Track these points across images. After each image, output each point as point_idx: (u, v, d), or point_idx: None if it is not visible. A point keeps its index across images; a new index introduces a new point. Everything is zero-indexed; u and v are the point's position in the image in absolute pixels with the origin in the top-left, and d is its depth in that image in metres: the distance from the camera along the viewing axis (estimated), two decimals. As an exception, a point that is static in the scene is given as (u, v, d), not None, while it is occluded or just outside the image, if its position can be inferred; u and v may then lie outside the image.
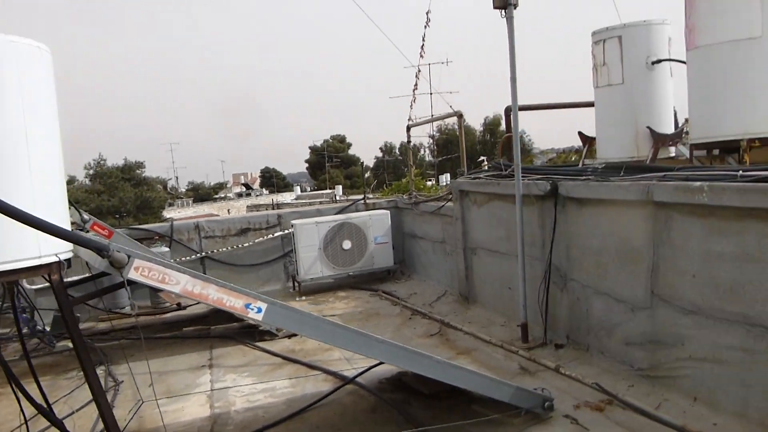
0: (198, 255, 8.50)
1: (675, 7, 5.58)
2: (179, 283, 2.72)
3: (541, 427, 3.70)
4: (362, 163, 31.49)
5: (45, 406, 3.68)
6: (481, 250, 6.56)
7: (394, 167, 68.48)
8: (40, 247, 2.75)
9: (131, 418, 4.35)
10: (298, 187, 58.20)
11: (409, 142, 9.23)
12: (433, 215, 7.98)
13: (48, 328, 7.17)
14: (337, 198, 36.56)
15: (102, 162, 46.08)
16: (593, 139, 6.93)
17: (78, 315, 6.79)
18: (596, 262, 4.64)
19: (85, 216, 7.17)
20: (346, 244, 8.34)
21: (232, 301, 2.82)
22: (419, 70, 8.53)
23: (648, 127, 6.09)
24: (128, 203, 42.51)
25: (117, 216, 41.11)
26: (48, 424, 4.27)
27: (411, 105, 8.59)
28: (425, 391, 4.35)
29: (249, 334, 6.47)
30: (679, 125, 6.60)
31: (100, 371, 5.71)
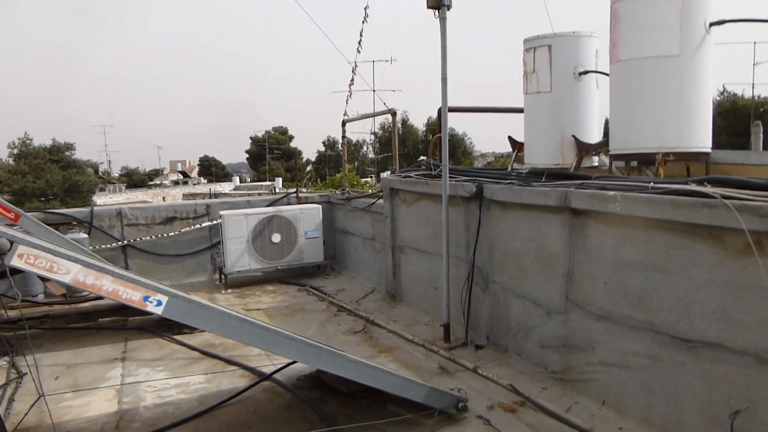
0: (119, 243, 8.17)
1: (605, 20, 5.75)
2: (69, 273, 2.57)
3: (453, 428, 3.73)
4: (299, 153, 31.16)
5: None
6: (409, 249, 6.58)
7: (336, 162, 68.28)
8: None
9: (27, 412, 4.11)
10: (238, 178, 57.11)
11: (343, 137, 9.17)
12: (365, 212, 7.96)
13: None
14: (277, 190, 36.14)
15: (28, 141, 43.75)
16: (522, 144, 7.06)
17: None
18: (517, 265, 4.72)
19: (-11, 196, 6.78)
20: (276, 238, 8.21)
21: (128, 293, 2.69)
22: (356, 65, 8.47)
23: (573, 136, 6.23)
24: (55, 186, 40.58)
25: (43, 199, 39.21)
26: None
27: (347, 100, 8.53)
28: (343, 390, 4.31)
29: (168, 326, 6.26)
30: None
31: (2, 362, 5.41)
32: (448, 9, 4.97)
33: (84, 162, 49.96)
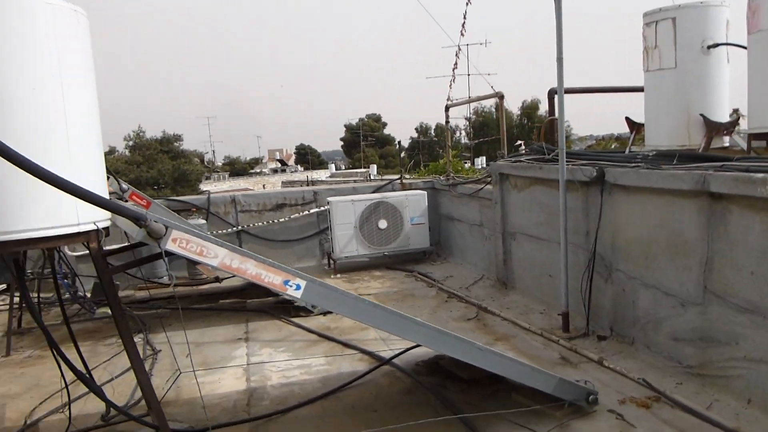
0: (234, 229, 8.55)
1: (736, -11, 5.32)
2: (217, 257, 2.69)
3: (584, 421, 3.60)
4: (399, 142, 31.24)
5: (84, 371, 3.71)
6: (521, 235, 6.43)
7: (429, 148, 68.13)
8: (78, 214, 2.74)
9: (169, 388, 4.39)
10: (333, 165, 58.31)
11: (447, 122, 9.08)
12: (471, 198, 7.86)
13: (89, 295, 7.32)
14: (372, 177, 36.53)
15: (141, 134, 46.79)
16: (641, 125, 6.69)
17: (117, 283, 6.90)
18: (645, 253, 4.48)
19: (124, 186, 7.25)
20: (382, 224, 8.28)
21: (270, 277, 2.78)
22: (459, 49, 8.34)
23: (701, 115, 5.83)
24: (166, 175, 43.16)
25: (155, 187, 41.83)
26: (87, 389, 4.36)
27: (450, 85, 8.43)
28: (463, 376, 4.28)
29: (284, 309, 6.49)
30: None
31: (138, 339, 5.80)
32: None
33: (191, 152, 52.81)
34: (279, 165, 74.09)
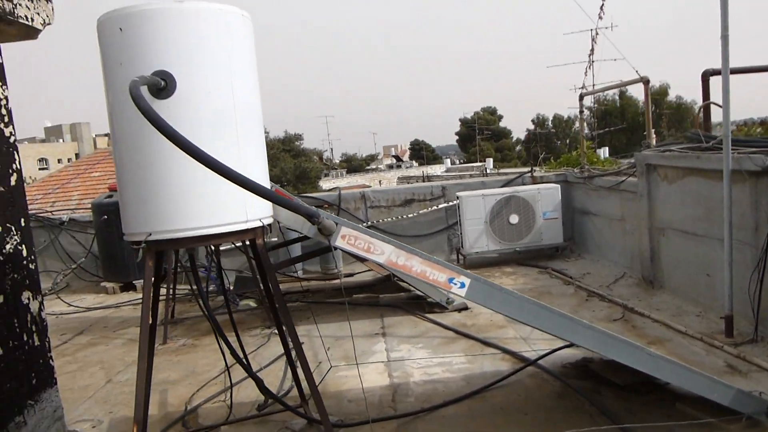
0: (364, 224, 8.66)
1: None
2: (384, 253, 2.66)
3: (765, 437, 3.24)
4: (509, 133, 30.46)
5: (243, 359, 3.85)
6: (671, 231, 5.95)
7: (546, 140, 65.96)
8: (247, 212, 2.81)
9: (321, 381, 4.45)
10: (449, 160, 58.03)
11: (581, 112, 8.64)
12: (610, 191, 7.41)
13: (231, 287, 7.72)
14: (488, 171, 35.86)
15: (266, 134, 49.00)
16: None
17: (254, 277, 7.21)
18: (832, 250, 3.97)
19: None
20: (513, 219, 8.03)
21: (435, 275, 2.71)
22: (596, 33, 7.90)
23: None
24: (288, 173, 45.05)
25: (279, 185, 43.71)
26: (242, 376, 4.56)
27: (586, 72, 8.11)
28: (618, 382, 4.02)
29: (417, 305, 6.47)
30: None
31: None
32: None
33: (311, 150, 54.77)
34: (394, 161, 74.94)
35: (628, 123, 49.89)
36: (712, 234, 5.17)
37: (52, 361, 3.97)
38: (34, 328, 3.71)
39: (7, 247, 3.43)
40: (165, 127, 2.25)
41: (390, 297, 6.95)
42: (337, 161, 74.29)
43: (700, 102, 6.32)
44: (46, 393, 3.81)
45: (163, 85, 2.52)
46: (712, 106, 6.15)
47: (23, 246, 3.61)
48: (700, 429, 3.34)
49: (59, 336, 6.61)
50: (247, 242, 3.21)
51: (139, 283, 8.63)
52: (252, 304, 7.18)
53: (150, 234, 2.65)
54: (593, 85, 9.08)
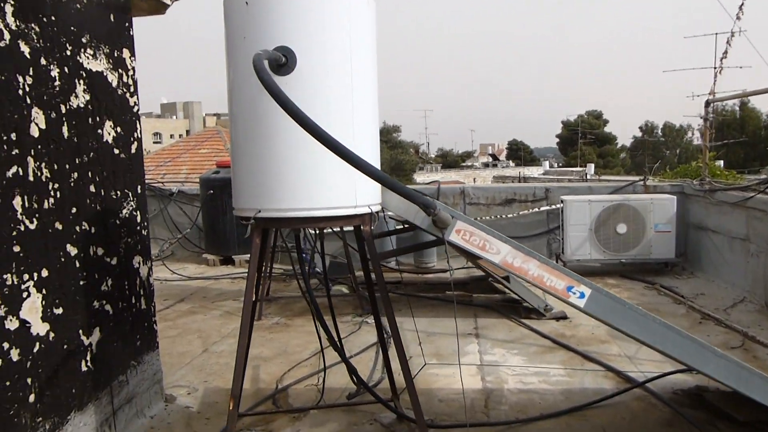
0: (461, 220, 8.46)
1: None
2: (499, 253, 2.49)
3: None
4: (614, 138, 28.92)
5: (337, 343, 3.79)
6: (808, 257, 5.36)
7: (654, 149, 62.53)
8: (357, 197, 2.72)
9: (415, 376, 4.30)
10: (547, 162, 56.35)
11: (706, 119, 8.00)
12: (735, 207, 6.80)
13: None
14: (589, 176, 34.45)
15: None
16: None
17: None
18: None
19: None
20: (621, 228, 7.57)
21: (553, 281, 2.51)
22: (732, 35, 7.23)
23: None
24: (384, 164, 45.26)
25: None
26: (333, 360, 4.52)
27: (716, 76, 7.36)
28: (738, 417, 3.63)
29: (513, 309, 6.22)
30: None
31: (371, 320, 5.95)
32: None
33: (407, 143, 54.88)
34: (490, 159, 73.77)
35: (748, 136, 46.38)
36: None
37: (156, 325, 4.10)
38: (141, 291, 3.84)
39: (124, 211, 3.55)
40: (286, 102, 2.19)
41: (484, 297, 6.73)
42: (433, 156, 74.04)
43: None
44: (148, 356, 3.94)
45: (283, 61, 2.47)
46: None
47: (138, 212, 3.72)
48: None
49: (162, 301, 6.90)
50: (351, 228, 3.13)
51: (237, 257, 8.89)
52: (344, 290, 7.19)
53: (259, 211, 2.62)
54: (714, 93, 8.32)
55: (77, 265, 3.05)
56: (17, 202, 2.59)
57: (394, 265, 8.14)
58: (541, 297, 6.14)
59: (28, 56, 2.60)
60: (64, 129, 2.87)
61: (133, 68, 3.44)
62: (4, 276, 2.54)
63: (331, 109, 2.51)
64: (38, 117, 2.67)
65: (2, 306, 2.52)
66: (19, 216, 2.61)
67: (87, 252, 3.15)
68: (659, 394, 4.03)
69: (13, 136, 2.52)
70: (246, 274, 8.19)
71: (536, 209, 8.38)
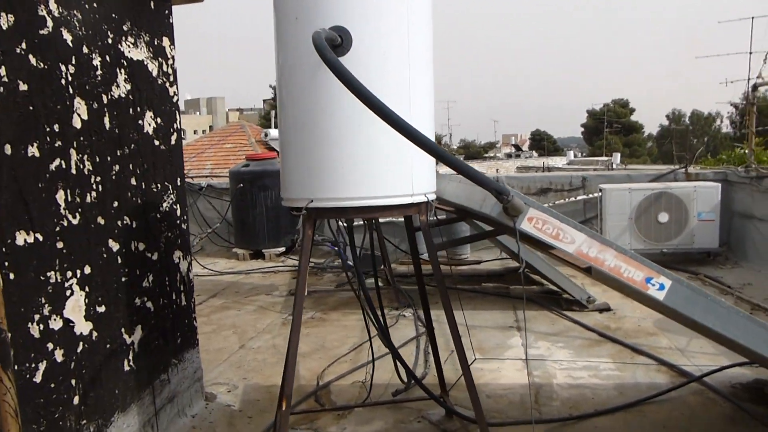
0: (495, 211, 8.29)
1: None
2: (574, 242, 2.35)
3: None
4: (640, 127, 28.29)
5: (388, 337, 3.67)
6: None
7: (681, 138, 61.30)
8: (413, 185, 2.59)
9: (461, 375, 4.14)
10: (571, 152, 55.60)
11: (753, 104, 7.71)
12: (785, 194, 6.54)
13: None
14: (615, 166, 33.86)
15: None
16: None
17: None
18: None
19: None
20: (663, 217, 7.34)
21: (631, 272, 2.36)
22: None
23: None
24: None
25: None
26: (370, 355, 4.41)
27: (765, 59, 7.06)
28: (805, 413, 3.45)
29: (553, 300, 6.06)
30: None
31: (409, 314, 5.84)
32: None
33: (430, 134, 54.34)
34: (513, 150, 73.01)
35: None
36: None
37: (196, 322, 4.03)
38: (182, 287, 3.76)
39: (164, 205, 3.46)
40: (351, 80, 2.06)
41: (521, 289, 6.57)
42: (455, 147, 73.47)
43: None
44: (188, 353, 3.86)
45: (339, 41, 2.34)
46: None
47: (177, 206, 3.64)
48: None
49: (195, 296, 6.85)
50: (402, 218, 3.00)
51: (267, 251, 8.83)
52: (379, 283, 7.07)
53: (311, 200, 2.50)
54: (762, 76, 8.00)
55: (119, 261, 2.97)
56: (60, 196, 2.51)
57: (426, 256, 8.00)
58: (582, 288, 5.97)
59: (71, 44, 2.51)
60: (106, 120, 2.78)
61: (173, 57, 3.35)
62: (48, 274, 2.46)
63: (389, 97, 2.36)
64: (80, 107, 2.58)
65: (46, 305, 2.45)
66: (62, 211, 2.53)
67: (128, 247, 3.07)
68: (718, 388, 3.85)
69: (56, 127, 2.44)
70: (277, 268, 8.20)
71: (573, 198, 8.17)
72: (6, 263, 2.21)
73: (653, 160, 54.40)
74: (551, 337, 5.05)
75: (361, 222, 7.12)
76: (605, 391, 3.96)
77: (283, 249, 8.93)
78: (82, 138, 2.61)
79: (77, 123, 2.57)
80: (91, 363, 2.76)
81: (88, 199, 2.70)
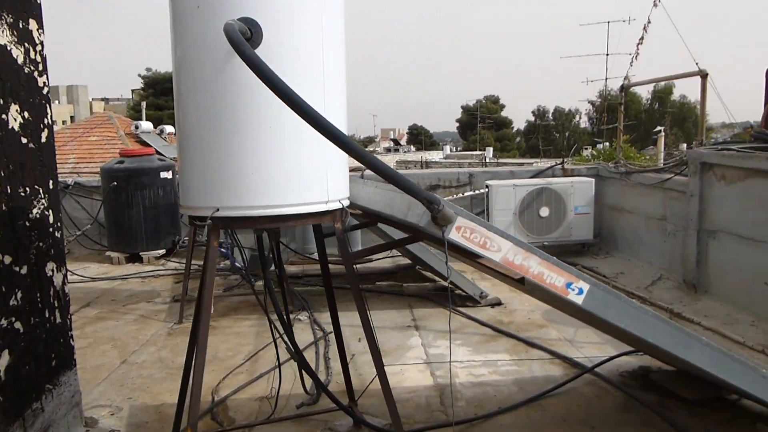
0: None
1: None
2: (500, 251, 2.30)
3: None
4: (510, 123, 29.90)
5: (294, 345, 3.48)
6: (724, 234, 5.63)
7: (546, 132, 65.41)
8: (329, 191, 2.42)
9: (371, 381, 3.98)
10: (447, 147, 57.54)
11: (621, 103, 8.28)
12: (652, 188, 7.07)
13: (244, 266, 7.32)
14: (488, 160, 35.40)
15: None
16: None
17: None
18: None
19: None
20: (544, 211, 7.69)
21: (553, 278, 2.36)
22: (649, 22, 7.50)
23: None
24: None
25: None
26: (262, 363, 4.19)
27: (631, 62, 7.65)
28: (687, 397, 3.71)
29: (446, 297, 6.13)
30: None
31: (304, 317, 5.65)
32: None
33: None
34: (392, 144, 74.28)
35: (630, 119, 49.61)
36: (775, 241, 4.85)
37: (73, 340, 3.61)
38: (56, 303, 3.34)
39: (34, 211, 3.05)
40: (275, 81, 1.86)
41: (415, 287, 6.61)
42: (335, 141, 73.13)
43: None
44: (65, 376, 3.44)
45: (249, 35, 2.11)
46: (708, 107, 5.88)
47: (50, 211, 3.23)
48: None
49: (65, 307, 6.21)
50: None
51: (146, 254, 8.23)
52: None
53: (217, 209, 2.26)
54: (629, 78, 8.63)
55: (-20, 278, 2.55)
56: None
57: (317, 256, 7.82)
58: (473, 283, 6.08)
59: None
60: (-40, 115, 2.36)
61: (42, 43, 2.92)
62: None
63: (304, 92, 2.18)
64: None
65: None
66: None
67: (-8, 262, 2.65)
68: (610, 378, 4.05)
69: None
70: (157, 272, 7.65)
71: (460, 195, 8.35)
72: None
73: (521, 154, 57.67)
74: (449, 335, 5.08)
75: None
76: (506, 387, 4.03)
77: (163, 251, 8.36)
78: (-70, 137, 2.18)
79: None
80: (-54, 401, 2.34)
81: (-60, 209, 2.27)
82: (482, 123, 57.66)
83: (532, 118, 69.34)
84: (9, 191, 2.75)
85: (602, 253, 8.08)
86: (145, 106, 28.08)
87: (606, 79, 26.52)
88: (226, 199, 2.26)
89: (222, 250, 7.35)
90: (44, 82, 2.98)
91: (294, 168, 2.26)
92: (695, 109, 60.13)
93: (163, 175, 8.19)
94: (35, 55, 2.87)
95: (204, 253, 7.07)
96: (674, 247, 6.53)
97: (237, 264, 7.16)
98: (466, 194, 8.33)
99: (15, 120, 2.74)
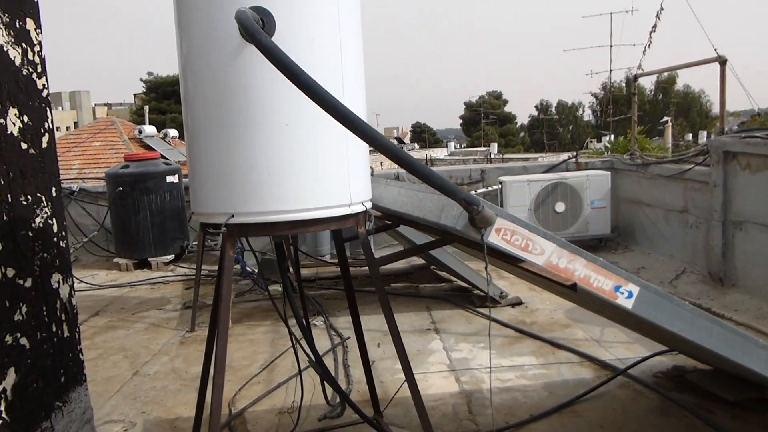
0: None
1: None
2: (543, 253, 2.12)
3: None
4: (513, 118, 29.67)
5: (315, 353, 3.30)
6: (752, 225, 5.43)
7: (549, 127, 65.03)
8: (351, 194, 2.24)
9: (398, 389, 3.80)
10: (451, 144, 57.25)
11: (634, 94, 8.07)
12: (670, 180, 6.87)
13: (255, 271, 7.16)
14: (493, 156, 35.15)
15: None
16: None
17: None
18: None
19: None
20: (559, 207, 7.50)
21: (600, 281, 2.18)
22: (662, 9, 7.28)
23: None
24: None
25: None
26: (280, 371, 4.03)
27: (644, 51, 7.42)
28: (728, 398, 3.52)
29: (464, 297, 5.95)
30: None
31: (319, 322, 5.48)
32: None
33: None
34: (396, 143, 74.02)
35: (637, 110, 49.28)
36: (809, 232, 4.65)
37: (82, 354, 3.43)
38: (63, 316, 3.16)
39: (37, 221, 2.87)
40: (296, 71, 1.66)
41: (431, 287, 6.42)
42: (339, 141, 72.91)
43: (707, 91, 5.94)
44: (75, 392, 3.27)
45: (260, 25, 1.94)
46: (711, 95, 5.68)
47: (54, 220, 3.05)
48: None
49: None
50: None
51: (154, 260, 8.08)
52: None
53: (232, 215, 2.08)
54: (642, 68, 8.44)
55: (-18, 293, 2.39)
56: None
57: (328, 258, 7.67)
58: (494, 283, 5.90)
59: None
60: (-45, 121, 2.19)
61: (40, 43, 2.75)
62: None
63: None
64: None
65: None
66: None
67: (-7, 276, 2.48)
68: (644, 379, 3.86)
69: None
70: (166, 279, 7.50)
71: (473, 192, 8.14)
72: None
73: (526, 149, 57.34)
74: (471, 338, 4.90)
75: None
76: (535, 392, 3.85)
77: (171, 257, 8.20)
78: None
79: None
80: (-52, 426, 2.18)
81: (-64, 222, 2.11)
82: (486, 119, 57.35)
83: (536, 113, 69.03)
84: (10, 200, 2.58)
85: (620, 247, 7.87)
86: (148, 110, 27.95)
87: (610, 71, 26.35)
88: (241, 204, 2.08)
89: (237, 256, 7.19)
90: (44, 85, 2.81)
91: (314, 169, 2.08)
92: (699, 99, 59.79)
93: (169, 179, 8.03)
94: (33, 56, 2.70)
95: (213, 258, 6.88)
96: (697, 239, 6.33)
97: (248, 269, 7.00)
98: (479, 191, 8.14)
99: (14, 124, 2.57)
